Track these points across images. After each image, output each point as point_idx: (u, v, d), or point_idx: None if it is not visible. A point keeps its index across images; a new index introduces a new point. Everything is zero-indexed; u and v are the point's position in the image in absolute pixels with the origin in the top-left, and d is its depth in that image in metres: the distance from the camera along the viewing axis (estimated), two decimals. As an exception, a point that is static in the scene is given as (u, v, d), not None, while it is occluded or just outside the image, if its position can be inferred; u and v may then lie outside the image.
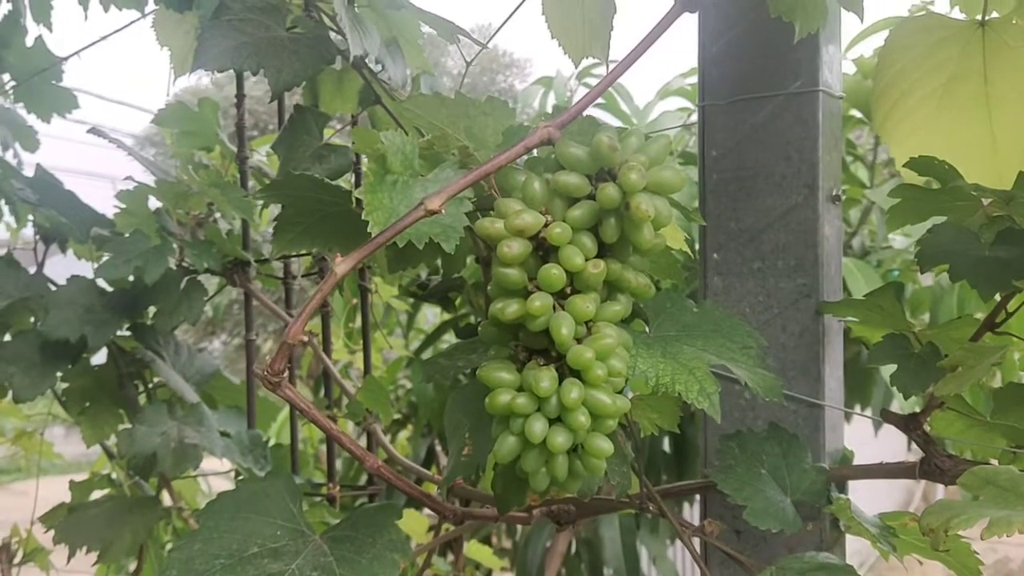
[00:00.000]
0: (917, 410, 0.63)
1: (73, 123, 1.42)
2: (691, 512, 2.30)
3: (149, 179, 1.14)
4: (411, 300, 2.19)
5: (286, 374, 0.56)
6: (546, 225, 0.52)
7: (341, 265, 0.53)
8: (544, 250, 0.52)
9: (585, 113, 0.57)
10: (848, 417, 1.74)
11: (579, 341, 0.51)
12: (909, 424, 0.62)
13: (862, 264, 2.00)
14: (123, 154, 1.08)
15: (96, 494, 1.26)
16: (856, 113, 2.08)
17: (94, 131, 1.05)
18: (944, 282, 1.90)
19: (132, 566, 1.75)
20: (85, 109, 1.33)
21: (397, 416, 2.45)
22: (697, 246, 0.80)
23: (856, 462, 0.74)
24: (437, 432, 2.24)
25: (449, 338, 2.31)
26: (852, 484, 0.72)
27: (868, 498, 0.67)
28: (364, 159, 1.03)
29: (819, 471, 0.67)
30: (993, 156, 0.75)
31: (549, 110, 2.51)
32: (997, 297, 0.61)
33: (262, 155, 1.59)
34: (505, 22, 0.77)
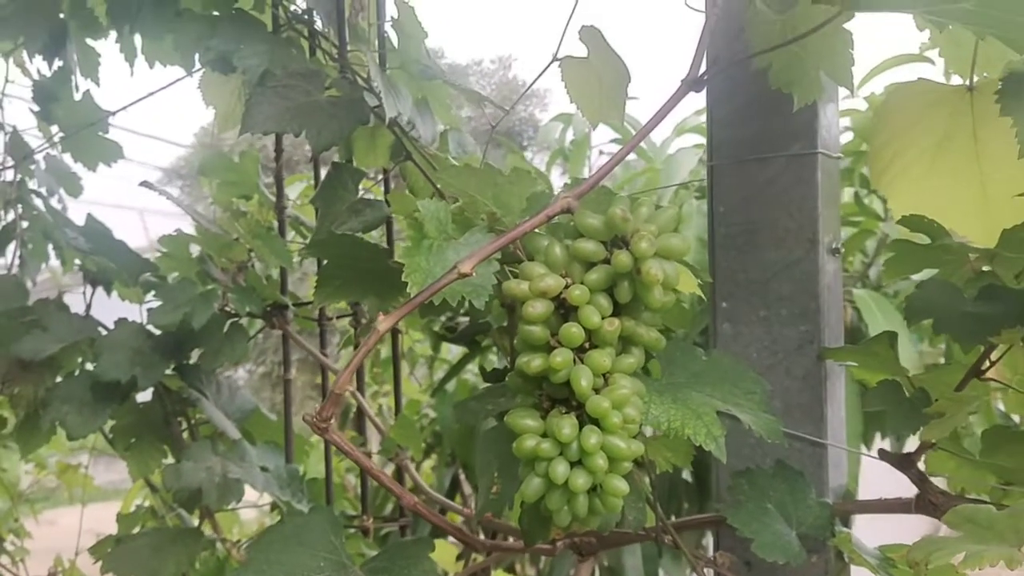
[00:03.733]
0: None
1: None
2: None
3: (180, 215, 1.21)
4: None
5: (332, 420, 0.62)
6: (566, 287, 0.58)
7: (384, 323, 0.59)
8: (565, 309, 0.58)
9: (601, 184, 0.63)
10: (868, 448, 1.76)
11: (597, 391, 0.57)
12: (904, 463, 0.67)
13: (877, 296, 2.04)
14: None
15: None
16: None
17: (146, 184, 1.12)
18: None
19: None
20: (124, 157, 1.40)
21: (422, 445, 2.51)
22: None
23: (876, 495, 0.78)
24: (461, 461, 2.29)
25: (472, 368, 2.36)
26: (878, 516, 0.76)
27: (894, 529, 0.71)
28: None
29: (823, 506, 0.72)
30: (986, 212, 0.79)
31: (568, 144, 2.56)
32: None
33: (294, 194, 1.67)
34: (525, 92, 0.83)
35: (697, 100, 2.31)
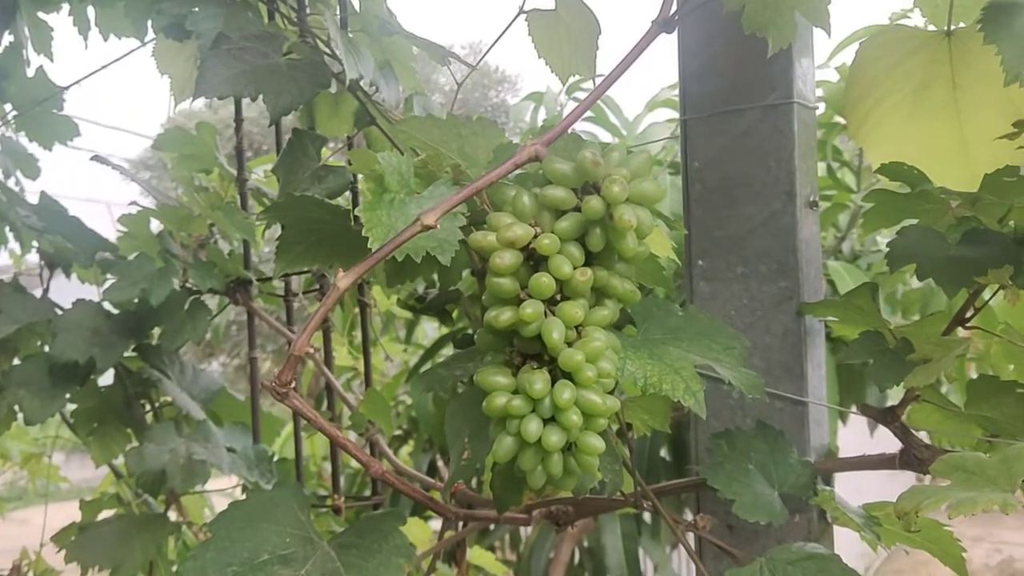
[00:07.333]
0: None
1: (68, 149, 1.45)
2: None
3: (148, 203, 1.17)
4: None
5: (293, 385, 0.59)
6: (535, 236, 0.55)
7: (343, 280, 0.56)
8: (534, 260, 0.55)
9: (570, 130, 0.60)
10: (844, 417, 1.75)
11: (570, 345, 0.54)
12: (887, 417, 0.65)
13: (851, 267, 2.03)
14: (118, 179, 1.11)
15: (104, 513, 1.28)
16: (841, 120, 2.11)
17: (97, 159, 1.08)
18: (933, 283, 1.93)
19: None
20: (81, 135, 1.35)
21: (398, 431, 2.48)
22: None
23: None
24: (438, 447, 2.26)
25: (447, 352, 2.34)
26: (866, 477, 0.74)
27: (877, 489, 0.70)
28: (360, 178, 1.06)
29: (805, 465, 0.70)
30: (965, 159, 0.78)
31: (540, 124, 2.55)
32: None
33: (258, 174, 1.62)
34: (491, 47, 0.80)
35: (670, 74, 2.28)
